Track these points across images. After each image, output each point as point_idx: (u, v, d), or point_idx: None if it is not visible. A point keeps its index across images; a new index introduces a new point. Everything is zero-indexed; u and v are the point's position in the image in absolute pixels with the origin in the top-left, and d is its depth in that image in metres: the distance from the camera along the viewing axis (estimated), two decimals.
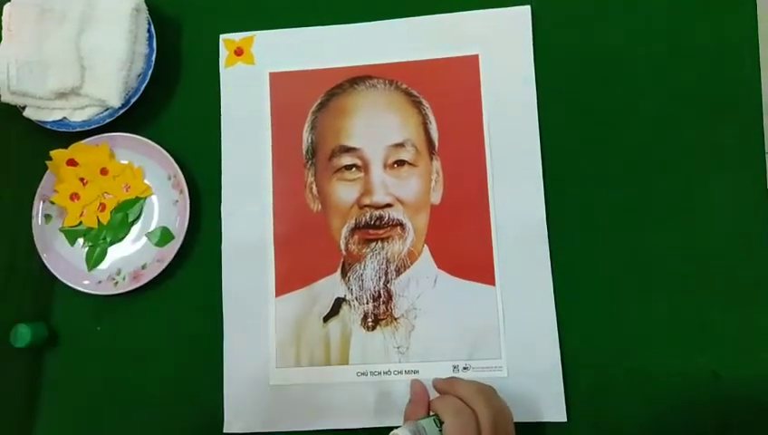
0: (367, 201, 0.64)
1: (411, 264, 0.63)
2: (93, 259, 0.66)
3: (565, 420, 0.59)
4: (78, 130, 0.67)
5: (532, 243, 0.62)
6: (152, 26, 0.67)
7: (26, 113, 0.67)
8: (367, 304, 0.63)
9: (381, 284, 0.63)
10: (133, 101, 0.66)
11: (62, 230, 0.67)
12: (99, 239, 0.66)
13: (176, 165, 0.65)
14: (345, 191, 0.64)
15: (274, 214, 0.65)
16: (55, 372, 0.66)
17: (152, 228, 0.66)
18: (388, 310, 0.62)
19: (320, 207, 0.65)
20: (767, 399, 0.58)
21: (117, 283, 0.65)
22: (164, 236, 0.65)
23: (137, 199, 0.67)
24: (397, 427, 0.50)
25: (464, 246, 0.63)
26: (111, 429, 0.64)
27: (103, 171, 0.67)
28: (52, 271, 0.65)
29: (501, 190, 0.63)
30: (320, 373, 0.62)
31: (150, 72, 0.66)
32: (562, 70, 0.65)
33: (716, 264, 0.60)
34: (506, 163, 0.63)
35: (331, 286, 0.63)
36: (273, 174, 0.66)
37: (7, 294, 0.68)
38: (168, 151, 0.65)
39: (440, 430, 0.50)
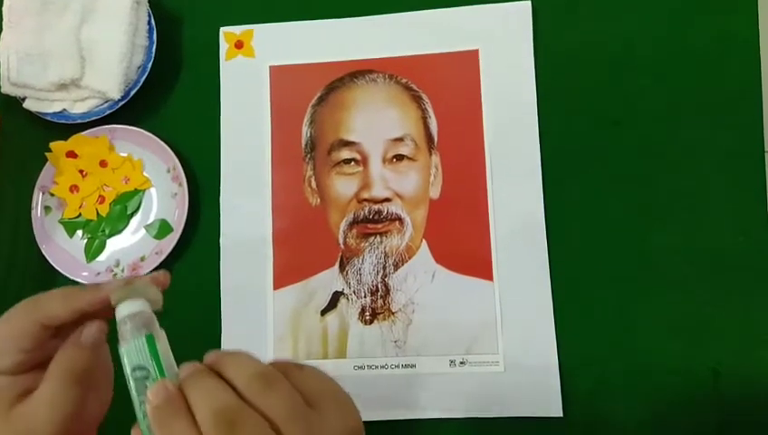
0: (365, 195, 0.64)
1: (409, 258, 0.63)
2: (92, 251, 0.66)
3: (561, 415, 0.59)
4: (78, 121, 0.67)
5: (530, 239, 0.62)
6: (152, 19, 0.67)
7: (26, 105, 0.67)
8: (365, 297, 0.63)
9: (379, 278, 0.63)
10: (133, 93, 0.66)
11: (61, 222, 0.67)
12: (98, 231, 0.66)
13: (175, 157, 0.65)
14: (344, 185, 0.64)
15: (273, 207, 0.65)
16: None
17: (151, 221, 0.66)
18: (385, 304, 0.62)
19: (318, 200, 0.65)
20: (766, 396, 0.58)
21: (115, 274, 0.65)
22: (163, 228, 0.65)
23: (136, 192, 0.67)
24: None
25: (462, 242, 0.63)
26: (107, 419, 0.64)
27: (103, 163, 0.67)
28: (51, 262, 0.65)
29: (500, 186, 0.63)
30: (317, 367, 0.62)
31: (150, 65, 0.66)
32: (562, 65, 0.64)
33: (716, 261, 0.60)
34: (505, 158, 0.63)
35: (329, 280, 0.63)
36: (272, 167, 0.66)
37: (6, 286, 0.68)
38: (167, 144, 0.65)
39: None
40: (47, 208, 0.67)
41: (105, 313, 0.37)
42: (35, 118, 0.68)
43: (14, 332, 0.36)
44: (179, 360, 0.66)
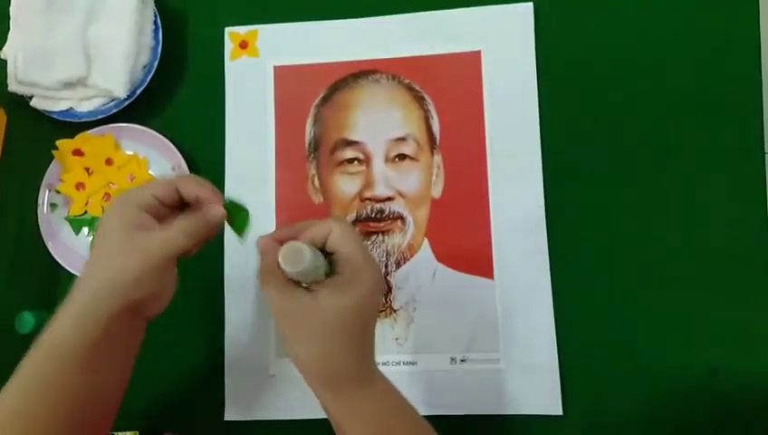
0: (368, 194, 0.64)
1: (411, 257, 0.63)
2: None
3: (561, 413, 0.60)
4: (84, 120, 0.68)
5: (531, 238, 0.62)
6: (158, 18, 0.68)
7: (33, 103, 0.68)
8: None
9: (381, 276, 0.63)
10: (139, 92, 0.67)
11: (67, 219, 0.68)
12: None
13: (180, 156, 0.66)
14: (347, 184, 0.65)
15: (277, 205, 0.66)
16: None
17: None
18: (387, 302, 0.63)
19: (321, 199, 0.66)
20: (764, 396, 0.59)
21: None
22: None
23: None
24: None
25: (463, 240, 0.63)
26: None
27: (108, 161, 0.68)
28: (58, 259, 0.66)
29: (501, 185, 0.64)
30: None
31: (156, 64, 0.67)
32: (564, 66, 0.65)
33: (715, 261, 0.61)
34: (507, 158, 0.64)
35: None
36: (275, 166, 0.66)
37: (13, 282, 0.69)
38: (172, 142, 0.66)
39: (327, 272, 0.44)
40: (53, 206, 0.68)
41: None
42: (42, 116, 0.68)
43: (155, 186, 0.47)
44: (184, 351, 0.67)
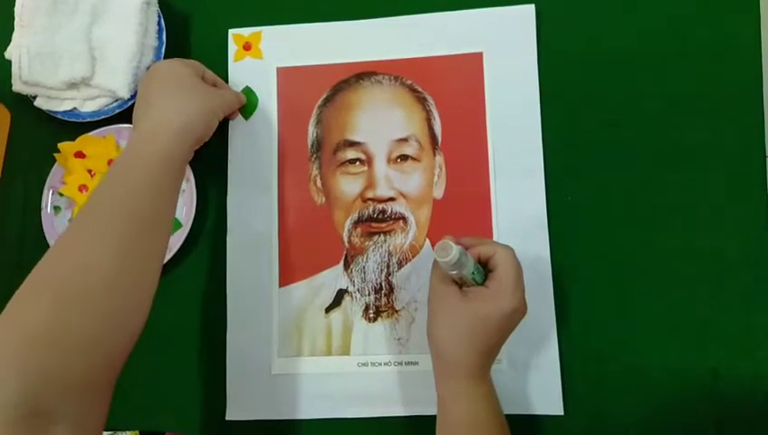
0: (370, 195, 0.65)
1: (413, 257, 0.64)
2: None
3: (562, 413, 0.60)
4: (88, 120, 0.68)
5: (532, 239, 0.62)
6: (162, 20, 0.68)
7: (37, 103, 0.68)
8: (368, 295, 0.63)
9: (383, 276, 0.64)
10: None
11: (71, 221, 0.68)
12: None
13: None
14: (349, 185, 0.65)
15: (279, 206, 0.66)
16: None
17: None
18: (389, 302, 0.63)
19: (324, 199, 0.66)
20: (765, 397, 0.59)
21: None
22: None
23: None
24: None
25: None
26: (113, 414, 0.65)
27: (111, 163, 0.68)
28: None
29: (503, 186, 0.64)
30: (321, 363, 0.63)
31: None
32: (565, 68, 0.65)
33: (716, 262, 0.61)
34: (508, 159, 0.64)
35: (333, 278, 0.64)
36: (278, 166, 0.67)
37: (16, 285, 0.68)
38: None
39: (477, 280, 0.52)
40: (57, 208, 0.68)
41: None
42: (46, 116, 0.69)
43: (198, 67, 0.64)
44: (186, 350, 0.67)
